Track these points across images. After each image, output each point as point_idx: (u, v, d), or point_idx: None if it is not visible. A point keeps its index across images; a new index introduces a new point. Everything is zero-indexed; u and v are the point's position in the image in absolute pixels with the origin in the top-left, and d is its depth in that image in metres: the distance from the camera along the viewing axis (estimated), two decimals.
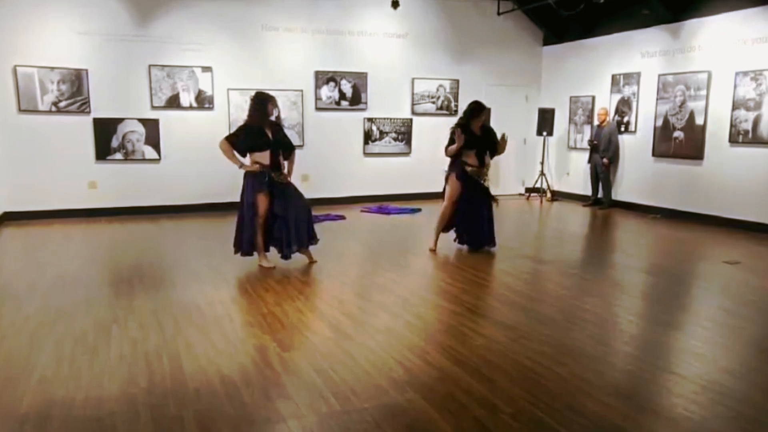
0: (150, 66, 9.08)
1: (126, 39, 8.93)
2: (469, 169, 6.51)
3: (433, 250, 6.68)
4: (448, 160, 6.68)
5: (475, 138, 6.49)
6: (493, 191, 11.14)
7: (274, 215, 5.78)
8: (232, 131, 6.06)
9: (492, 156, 6.70)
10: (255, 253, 5.90)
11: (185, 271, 5.87)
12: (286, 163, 5.90)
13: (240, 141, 5.74)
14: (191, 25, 9.27)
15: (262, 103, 5.75)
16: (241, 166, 5.75)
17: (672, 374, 3.52)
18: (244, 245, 5.85)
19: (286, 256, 5.87)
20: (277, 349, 3.84)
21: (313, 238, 6.02)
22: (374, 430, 2.85)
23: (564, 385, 3.34)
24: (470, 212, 6.59)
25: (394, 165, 10.85)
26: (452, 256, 6.54)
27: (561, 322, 4.44)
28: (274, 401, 3.13)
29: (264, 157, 5.70)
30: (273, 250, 5.96)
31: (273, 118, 5.90)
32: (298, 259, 6.06)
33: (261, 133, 5.72)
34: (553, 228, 9.07)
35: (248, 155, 5.81)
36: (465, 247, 6.80)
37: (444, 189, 6.70)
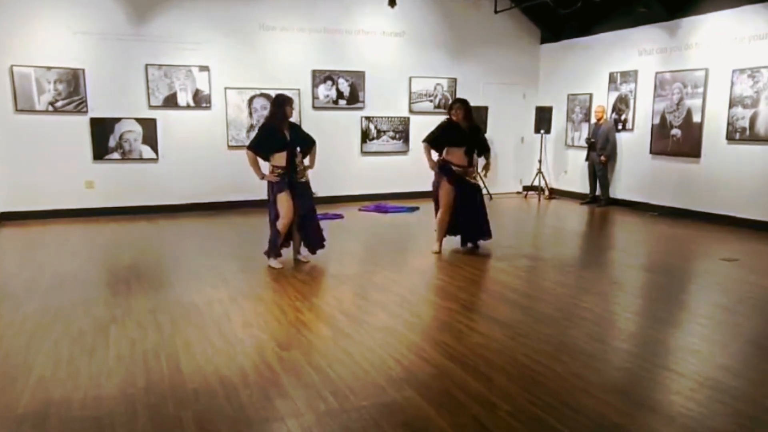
0: (147, 65, 9.06)
1: (123, 38, 8.92)
2: (455, 168, 6.37)
3: (438, 253, 6.52)
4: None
5: (463, 135, 6.35)
6: (492, 190, 11.31)
7: (299, 214, 5.88)
8: (252, 136, 6.09)
9: (485, 157, 6.63)
10: (281, 251, 6.00)
11: (183, 271, 5.87)
12: (306, 159, 5.97)
13: (260, 143, 5.79)
14: (188, 25, 9.25)
15: (280, 104, 5.79)
16: (263, 177, 5.80)
17: (669, 371, 3.53)
18: (271, 247, 5.94)
19: (313, 251, 6.06)
20: (276, 348, 3.84)
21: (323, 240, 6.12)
22: (372, 428, 2.85)
23: (562, 383, 3.35)
24: (462, 209, 6.49)
25: (392, 164, 10.85)
26: (450, 255, 6.54)
27: (559, 320, 4.45)
28: (272, 400, 3.13)
29: (282, 157, 5.75)
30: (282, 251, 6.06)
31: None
32: (299, 257, 6.09)
33: (277, 133, 5.76)
34: (551, 226, 9.08)
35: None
36: (463, 245, 6.78)
37: (436, 194, 6.54)
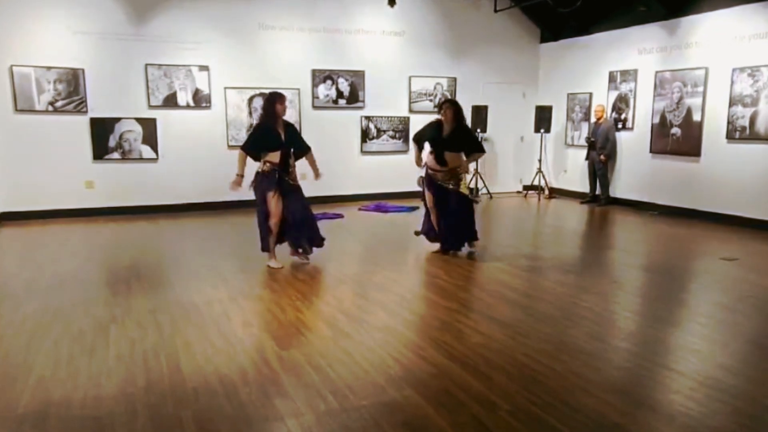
0: (147, 65, 9.06)
1: (123, 38, 8.92)
2: (430, 172, 6.25)
3: (438, 252, 6.48)
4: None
5: (437, 137, 6.17)
6: (492, 189, 11.31)
7: (292, 218, 5.81)
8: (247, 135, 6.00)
9: (469, 156, 6.28)
10: (275, 249, 5.96)
11: (183, 271, 5.87)
12: (297, 164, 5.92)
13: (255, 143, 5.73)
14: (188, 24, 9.25)
15: (270, 102, 5.73)
16: (239, 176, 5.70)
17: (669, 370, 3.53)
18: (261, 243, 5.93)
19: (305, 253, 5.96)
20: (276, 347, 3.84)
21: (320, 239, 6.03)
22: (372, 428, 2.85)
23: (562, 382, 3.35)
24: (441, 214, 6.33)
25: (392, 163, 10.85)
26: (450, 255, 6.52)
27: (559, 320, 4.45)
28: (272, 400, 3.13)
29: (275, 156, 5.68)
30: (280, 250, 6.01)
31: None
32: (295, 257, 6.08)
33: (272, 132, 5.69)
34: (551, 225, 9.07)
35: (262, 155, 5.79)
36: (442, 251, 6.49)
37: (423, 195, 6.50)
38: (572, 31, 10.91)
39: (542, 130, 11.14)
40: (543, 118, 11.10)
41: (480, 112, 10.83)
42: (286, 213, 5.78)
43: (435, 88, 11.02)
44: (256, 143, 5.74)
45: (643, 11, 9.31)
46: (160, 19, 9.10)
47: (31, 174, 8.66)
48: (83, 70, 8.75)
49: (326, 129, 10.25)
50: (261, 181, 5.72)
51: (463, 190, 6.27)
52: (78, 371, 3.47)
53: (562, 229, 8.62)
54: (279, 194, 5.72)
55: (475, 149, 6.36)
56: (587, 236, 8.36)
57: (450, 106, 6.21)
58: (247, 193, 5.91)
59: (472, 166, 6.61)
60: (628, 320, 4.56)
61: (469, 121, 10.64)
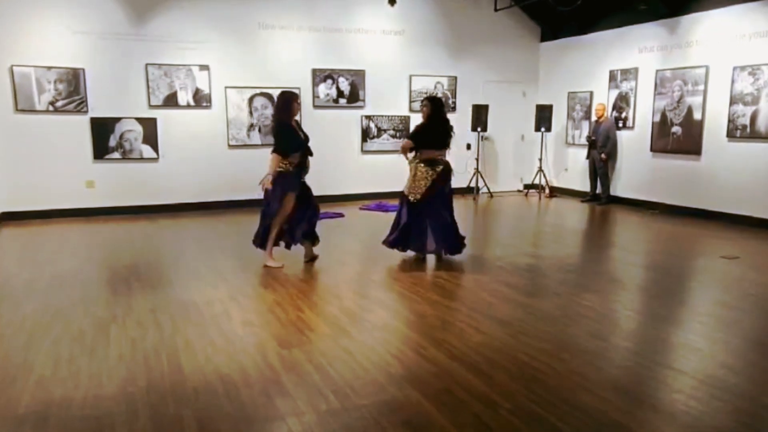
0: (147, 65, 9.06)
1: (123, 38, 8.91)
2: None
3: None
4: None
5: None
6: (493, 188, 11.30)
7: (301, 212, 5.79)
8: (275, 140, 5.75)
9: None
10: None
11: (183, 270, 5.87)
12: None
13: (285, 145, 5.60)
14: (188, 24, 9.25)
15: (287, 101, 5.70)
16: (269, 177, 5.57)
17: (670, 369, 3.53)
18: (259, 239, 5.90)
19: (288, 245, 5.95)
20: (276, 347, 3.84)
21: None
22: (373, 427, 2.85)
23: (563, 381, 3.34)
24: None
25: (393, 162, 10.82)
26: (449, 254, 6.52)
27: (559, 318, 4.44)
28: (273, 399, 3.13)
29: (297, 156, 5.63)
30: (278, 249, 5.98)
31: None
32: (296, 256, 6.06)
33: (297, 132, 5.68)
34: (552, 224, 9.07)
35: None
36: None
37: None
38: (572, 29, 10.90)
39: (543, 129, 11.12)
40: (543, 117, 11.08)
41: (480, 112, 10.82)
42: (308, 210, 5.78)
43: (435, 87, 11.00)
44: (289, 144, 5.61)
45: (643, 10, 9.30)
46: (160, 19, 9.09)
47: (31, 174, 8.66)
48: (83, 70, 8.75)
49: (327, 128, 10.23)
50: (283, 181, 5.58)
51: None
52: (78, 371, 3.47)
53: (563, 228, 8.61)
54: (294, 196, 5.71)
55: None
56: (588, 235, 8.35)
57: (428, 103, 6.10)
58: (254, 192, 5.86)
59: (452, 161, 6.56)
60: (629, 319, 4.55)
61: (468, 121, 10.71)
